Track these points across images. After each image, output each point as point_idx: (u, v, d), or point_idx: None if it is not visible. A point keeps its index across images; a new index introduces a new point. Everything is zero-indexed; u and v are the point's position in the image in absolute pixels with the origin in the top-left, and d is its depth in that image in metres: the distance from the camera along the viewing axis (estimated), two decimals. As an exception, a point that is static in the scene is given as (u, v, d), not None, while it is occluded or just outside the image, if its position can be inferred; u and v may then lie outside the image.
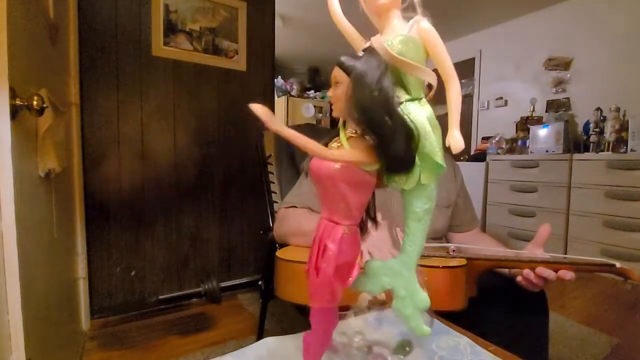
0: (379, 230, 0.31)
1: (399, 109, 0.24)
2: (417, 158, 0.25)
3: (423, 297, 0.29)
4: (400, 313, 0.30)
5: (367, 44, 0.26)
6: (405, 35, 0.25)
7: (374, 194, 0.29)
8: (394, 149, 0.24)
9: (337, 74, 0.23)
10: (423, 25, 0.25)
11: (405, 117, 0.24)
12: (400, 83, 0.26)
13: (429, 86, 0.27)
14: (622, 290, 2.02)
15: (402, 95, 0.26)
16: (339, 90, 0.23)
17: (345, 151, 0.24)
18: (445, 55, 0.25)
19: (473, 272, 0.64)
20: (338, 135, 0.26)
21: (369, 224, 0.31)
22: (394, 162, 0.25)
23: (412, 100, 0.26)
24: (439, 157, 0.26)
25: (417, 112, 0.26)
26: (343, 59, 0.24)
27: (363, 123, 0.24)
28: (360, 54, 0.24)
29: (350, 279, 0.28)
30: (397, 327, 0.41)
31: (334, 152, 0.24)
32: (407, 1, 0.27)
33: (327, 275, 0.27)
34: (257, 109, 0.19)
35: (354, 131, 0.25)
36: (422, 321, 0.29)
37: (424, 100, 0.27)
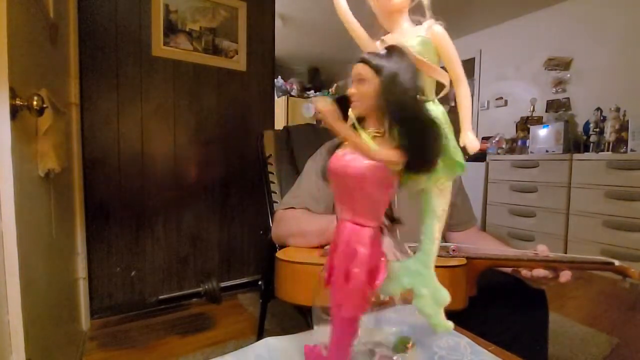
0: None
1: (426, 109, 0.25)
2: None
3: (443, 294, 0.29)
4: (422, 311, 0.30)
5: (385, 44, 0.26)
6: (423, 36, 0.26)
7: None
8: (422, 148, 0.24)
9: (363, 71, 0.23)
10: (437, 29, 0.26)
11: (433, 116, 0.25)
12: None
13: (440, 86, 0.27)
14: (622, 290, 2.02)
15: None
16: (365, 87, 0.23)
17: (384, 150, 0.24)
18: (457, 58, 0.26)
19: (473, 271, 0.64)
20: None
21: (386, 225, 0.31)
22: (419, 161, 0.25)
23: (427, 100, 0.27)
24: (459, 156, 0.26)
25: (437, 112, 0.26)
26: (369, 56, 0.23)
27: (395, 122, 0.24)
28: (383, 52, 0.24)
29: (378, 282, 0.28)
30: (396, 326, 0.41)
31: (378, 151, 0.23)
32: (414, 2, 0.27)
33: (360, 280, 0.26)
34: (319, 104, 0.21)
35: (377, 131, 0.25)
36: (444, 317, 0.30)
37: (436, 100, 0.27)
